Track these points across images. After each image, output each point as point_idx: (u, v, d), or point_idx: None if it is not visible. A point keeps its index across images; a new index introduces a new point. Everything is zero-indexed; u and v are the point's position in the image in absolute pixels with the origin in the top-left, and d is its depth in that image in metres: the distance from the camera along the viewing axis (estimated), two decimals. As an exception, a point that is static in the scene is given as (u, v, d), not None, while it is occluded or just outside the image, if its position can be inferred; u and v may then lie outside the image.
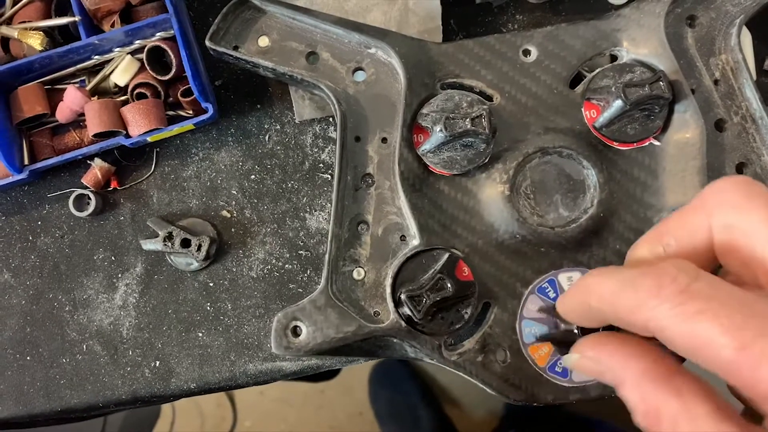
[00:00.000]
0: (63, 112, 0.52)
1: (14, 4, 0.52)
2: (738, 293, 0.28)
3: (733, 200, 0.31)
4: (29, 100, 0.52)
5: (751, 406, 0.32)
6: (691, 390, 0.30)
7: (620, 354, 0.34)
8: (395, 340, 0.46)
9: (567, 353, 0.45)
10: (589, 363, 0.35)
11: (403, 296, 0.45)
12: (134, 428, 1.52)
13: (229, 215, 0.55)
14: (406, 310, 0.45)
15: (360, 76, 0.49)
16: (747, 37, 0.54)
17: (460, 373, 0.46)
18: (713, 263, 0.33)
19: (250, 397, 1.62)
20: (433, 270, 0.46)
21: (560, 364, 0.46)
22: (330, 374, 1.38)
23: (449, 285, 0.44)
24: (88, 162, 0.54)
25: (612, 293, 0.32)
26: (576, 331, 0.44)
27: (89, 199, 0.54)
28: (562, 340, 0.45)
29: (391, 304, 0.46)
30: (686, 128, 0.47)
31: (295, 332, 0.46)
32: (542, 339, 0.46)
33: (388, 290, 0.46)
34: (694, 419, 0.29)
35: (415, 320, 0.45)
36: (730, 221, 0.31)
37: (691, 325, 0.28)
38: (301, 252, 0.54)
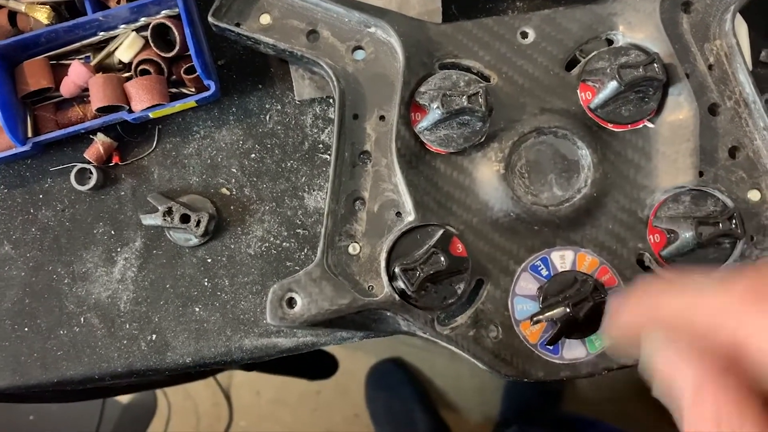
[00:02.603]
0: (67, 87, 0.53)
1: (22, -20, 0.53)
2: None
3: None
4: (35, 74, 0.53)
5: None
6: None
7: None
8: (388, 314, 0.47)
9: (570, 334, 0.45)
10: (673, 355, 0.28)
11: (396, 270, 0.45)
12: (129, 426, 1.52)
13: (228, 193, 0.55)
14: (399, 284, 0.46)
15: (359, 54, 0.50)
16: (743, 28, 0.54)
17: (452, 347, 0.46)
18: None
19: (246, 396, 1.61)
20: (427, 245, 0.46)
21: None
22: (326, 372, 1.38)
23: (443, 259, 0.45)
24: (91, 137, 0.55)
25: (690, 302, 0.27)
26: (569, 310, 0.44)
27: (91, 173, 0.54)
28: (565, 323, 0.45)
29: (385, 278, 0.47)
30: (680, 111, 0.48)
31: (290, 304, 0.46)
32: (552, 342, 0.46)
33: (383, 264, 0.47)
34: None
35: (409, 294, 0.45)
36: None
37: None
38: (298, 231, 0.55)
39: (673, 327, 0.27)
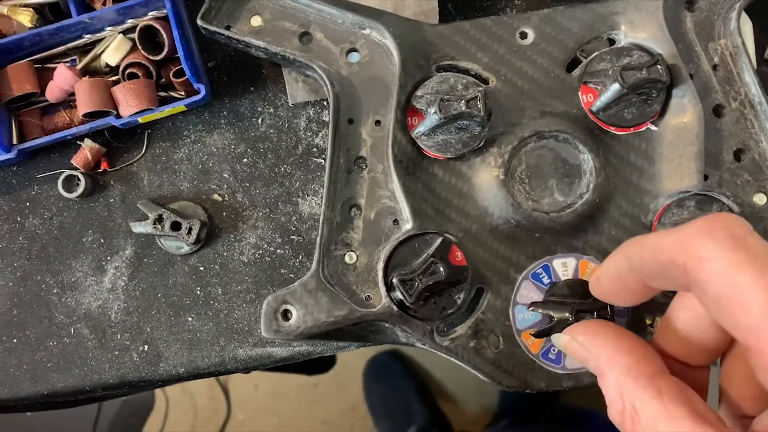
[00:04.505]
0: (53, 92, 0.51)
1: (4, -19, 0.52)
2: None
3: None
4: (19, 79, 0.51)
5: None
6: (672, 392, 0.30)
7: (609, 345, 0.33)
8: (387, 325, 0.46)
9: (552, 328, 0.45)
10: (577, 347, 0.35)
11: (394, 280, 0.44)
12: (127, 420, 1.51)
13: (220, 199, 0.54)
14: (397, 295, 0.44)
15: (354, 57, 0.49)
16: (748, 26, 0.53)
17: (452, 359, 0.45)
18: None
19: (244, 390, 1.61)
20: (425, 254, 0.45)
21: (553, 350, 0.46)
22: (324, 367, 1.37)
23: (442, 269, 0.44)
24: (78, 143, 0.53)
25: (658, 237, 0.31)
26: (570, 316, 0.43)
27: (79, 180, 0.53)
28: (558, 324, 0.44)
29: (382, 289, 0.45)
30: (684, 113, 0.47)
31: (286, 316, 0.45)
32: (539, 335, 0.46)
33: (380, 274, 0.46)
34: (674, 421, 0.29)
35: (407, 305, 0.44)
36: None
37: (734, 272, 0.27)
38: (293, 237, 0.53)
39: (641, 257, 0.32)
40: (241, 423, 1.60)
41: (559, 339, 0.37)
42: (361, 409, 1.58)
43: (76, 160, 0.53)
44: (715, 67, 0.48)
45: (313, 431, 1.59)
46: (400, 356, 1.56)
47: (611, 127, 0.47)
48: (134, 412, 1.54)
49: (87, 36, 0.51)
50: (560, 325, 0.44)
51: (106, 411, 1.44)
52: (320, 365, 1.35)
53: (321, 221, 0.46)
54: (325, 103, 0.54)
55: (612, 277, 0.35)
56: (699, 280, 0.28)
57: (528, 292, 0.46)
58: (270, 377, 1.60)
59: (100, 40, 0.52)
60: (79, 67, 0.52)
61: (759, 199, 0.47)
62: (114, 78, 0.52)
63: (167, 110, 0.51)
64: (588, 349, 0.34)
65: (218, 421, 1.59)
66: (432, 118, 0.45)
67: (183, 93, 0.52)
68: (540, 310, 0.45)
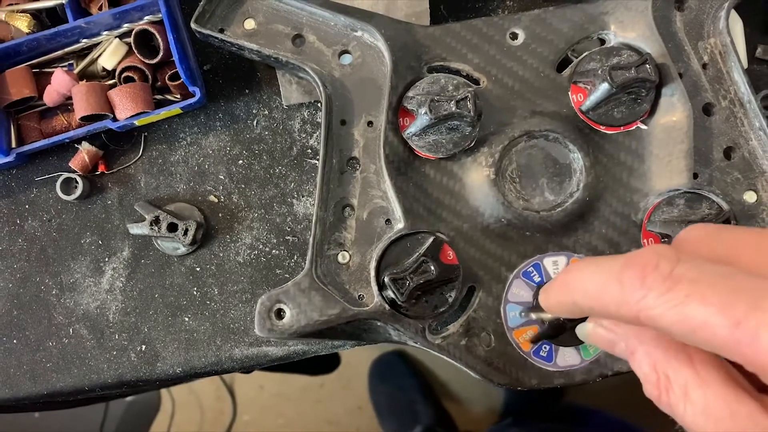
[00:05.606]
0: (50, 96, 0.52)
1: (2, -13, 0.52)
2: (722, 270, 0.28)
3: None
4: (17, 83, 0.52)
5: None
6: (703, 359, 0.30)
7: None
8: (379, 324, 0.46)
9: (554, 338, 0.45)
10: (602, 332, 0.35)
11: (386, 279, 0.45)
12: (134, 421, 1.52)
13: (216, 200, 0.54)
14: (389, 293, 0.45)
15: (346, 59, 0.49)
16: (738, 25, 0.53)
17: (444, 357, 0.46)
18: None
19: (250, 390, 1.62)
20: (417, 253, 0.46)
21: (545, 348, 0.46)
22: (329, 368, 1.38)
23: (433, 268, 0.44)
24: (76, 146, 0.54)
25: (597, 290, 0.31)
26: (561, 319, 0.44)
27: (77, 182, 0.54)
28: (550, 326, 0.45)
29: (375, 287, 0.46)
30: (673, 112, 0.47)
31: (279, 315, 0.46)
32: (536, 340, 0.46)
33: (372, 273, 0.46)
34: (706, 386, 0.29)
35: (399, 303, 0.45)
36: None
37: (682, 309, 0.27)
38: (288, 237, 0.54)
39: (587, 305, 0.32)
40: (247, 424, 1.61)
41: (584, 329, 0.37)
42: (367, 409, 1.59)
43: (74, 163, 0.54)
44: (704, 66, 0.48)
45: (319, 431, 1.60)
46: (405, 356, 1.56)
47: (601, 126, 0.48)
48: (141, 413, 1.55)
49: (84, 40, 0.52)
50: (552, 326, 0.44)
51: (113, 412, 1.45)
52: (324, 366, 1.35)
53: (314, 221, 0.47)
54: (319, 104, 0.54)
55: (559, 310, 0.37)
56: (659, 327, 0.29)
57: (519, 290, 0.47)
58: (275, 378, 1.61)
59: (96, 45, 0.53)
60: (76, 71, 0.53)
61: (749, 197, 0.47)
62: (110, 82, 0.53)
63: (163, 113, 0.52)
64: (614, 331, 0.34)
65: (224, 422, 1.59)
66: (423, 118, 0.46)
67: (179, 96, 0.53)
68: (533, 316, 0.46)
